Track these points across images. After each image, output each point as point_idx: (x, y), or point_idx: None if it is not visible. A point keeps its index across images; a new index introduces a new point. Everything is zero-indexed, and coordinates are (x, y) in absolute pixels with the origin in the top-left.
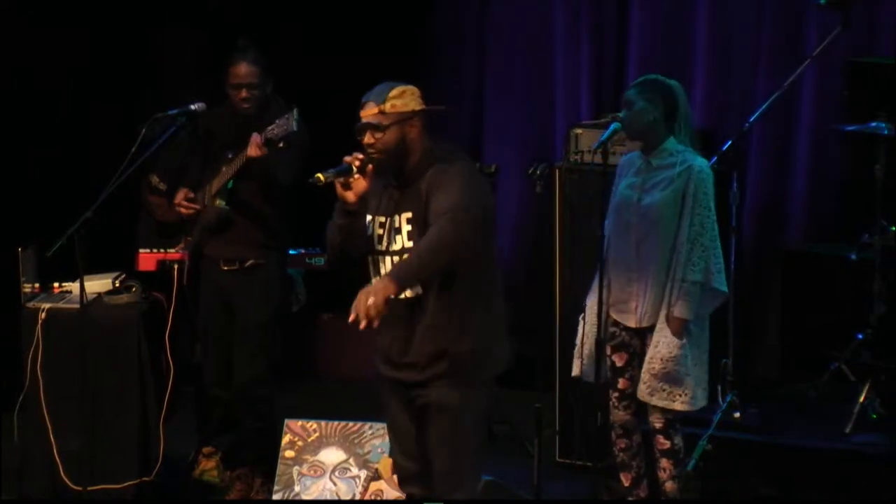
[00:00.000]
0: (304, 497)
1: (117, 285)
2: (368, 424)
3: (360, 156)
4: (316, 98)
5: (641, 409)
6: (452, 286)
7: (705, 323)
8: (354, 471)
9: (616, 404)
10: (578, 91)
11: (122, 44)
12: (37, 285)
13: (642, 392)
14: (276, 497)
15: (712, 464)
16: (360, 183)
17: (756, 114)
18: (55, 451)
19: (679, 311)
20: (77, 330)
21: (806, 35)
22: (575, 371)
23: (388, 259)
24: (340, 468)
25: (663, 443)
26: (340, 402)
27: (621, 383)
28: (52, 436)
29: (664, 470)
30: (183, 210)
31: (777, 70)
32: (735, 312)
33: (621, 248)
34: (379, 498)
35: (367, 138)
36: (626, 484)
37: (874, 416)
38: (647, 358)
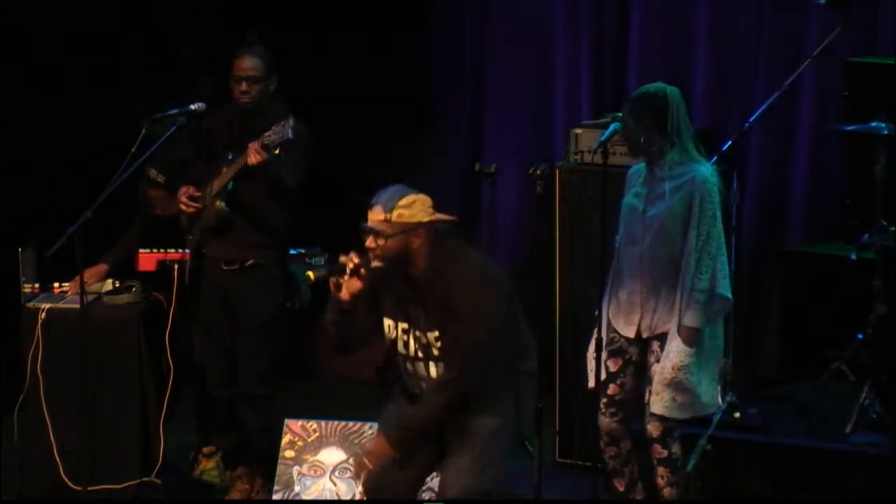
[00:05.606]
0: (304, 497)
1: (117, 285)
2: (368, 424)
3: (356, 259)
4: (316, 100)
5: (632, 416)
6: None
7: (717, 330)
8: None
9: (603, 410)
10: (578, 91)
11: (124, 42)
12: (37, 285)
13: (653, 402)
14: (276, 497)
15: (712, 464)
16: (353, 283)
17: (756, 114)
18: (55, 451)
19: (688, 319)
20: (77, 330)
21: (806, 35)
22: (591, 384)
23: (420, 364)
24: (340, 468)
25: (661, 451)
26: (340, 402)
27: (611, 388)
28: (52, 436)
29: (661, 477)
30: (184, 207)
31: (777, 70)
32: (735, 312)
33: (628, 259)
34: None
35: (370, 242)
36: (621, 489)
37: (874, 416)
38: (658, 367)
